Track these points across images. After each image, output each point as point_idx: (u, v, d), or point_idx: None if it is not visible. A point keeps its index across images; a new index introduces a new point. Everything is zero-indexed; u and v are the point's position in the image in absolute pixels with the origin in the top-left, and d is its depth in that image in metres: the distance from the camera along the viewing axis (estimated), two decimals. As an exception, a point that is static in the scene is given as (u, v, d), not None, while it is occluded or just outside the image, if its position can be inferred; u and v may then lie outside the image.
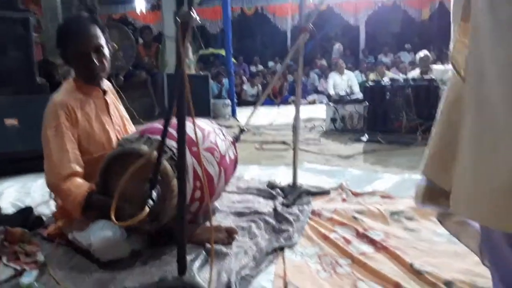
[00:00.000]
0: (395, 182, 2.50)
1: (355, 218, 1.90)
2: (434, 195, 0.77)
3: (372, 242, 1.67)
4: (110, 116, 1.79)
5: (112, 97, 1.87)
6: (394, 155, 3.29)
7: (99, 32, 1.69)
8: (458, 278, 1.37)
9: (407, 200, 2.14)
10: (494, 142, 0.55)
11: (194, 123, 1.11)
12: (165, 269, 1.45)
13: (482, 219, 0.58)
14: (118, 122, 1.83)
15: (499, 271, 0.68)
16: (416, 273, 1.41)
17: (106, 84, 1.84)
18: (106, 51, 1.72)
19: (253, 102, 7.97)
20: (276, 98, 9.18)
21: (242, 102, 8.43)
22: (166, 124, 1.15)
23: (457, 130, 0.67)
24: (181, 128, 1.17)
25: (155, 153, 1.35)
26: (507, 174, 0.52)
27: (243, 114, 5.65)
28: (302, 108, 7.20)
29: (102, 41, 1.70)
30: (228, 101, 6.70)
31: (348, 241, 1.68)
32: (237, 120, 6.02)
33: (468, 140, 0.60)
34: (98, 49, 1.68)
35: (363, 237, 1.72)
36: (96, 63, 1.67)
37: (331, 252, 1.61)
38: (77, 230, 1.59)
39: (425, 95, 4.08)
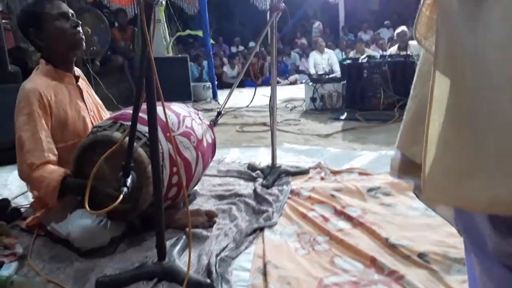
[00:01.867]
0: (372, 158, 2.55)
1: (333, 196, 1.93)
2: (408, 168, 0.77)
3: (349, 218, 1.70)
4: (85, 103, 1.76)
5: (84, 84, 1.84)
6: (372, 132, 3.34)
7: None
8: (431, 250, 1.42)
9: (384, 176, 2.18)
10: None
11: (163, 107, 1.10)
12: (145, 255, 1.46)
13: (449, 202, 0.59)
14: (92, 109, 1.81)
15: (471, 238, 0.71)
16: (391, 247, 1.46)
17: (77, 71, 1.80)
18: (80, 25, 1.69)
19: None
20: (257, 79, 9.13)
21: (224, 84, 8.35)
22: (136, 110, 1.14)
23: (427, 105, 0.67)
24: (151, 113, 1.16)
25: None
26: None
27: (225, 96, 5.66)
28: (284, 88, 7.18)
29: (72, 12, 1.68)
30: (208, 84, 6.63)
31: (326, 219, 1.71)
32: (219, 103, 5.98)
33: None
34: (72, 16, 1.67)
35: (341, 214, 1.76)
36: (74, 26, 1.64)
37: (310, 230, 1.65)
38: (55, 220, 1.58)
39: (402, 71, 4.11)
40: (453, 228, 1.66)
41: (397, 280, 1.27)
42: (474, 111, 0.54)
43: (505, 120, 0.49)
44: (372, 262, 1.37)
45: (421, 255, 1.39)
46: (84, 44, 1.70)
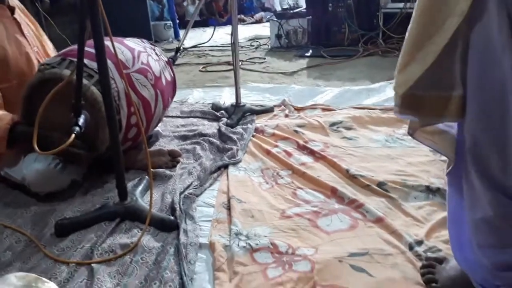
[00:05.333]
0: (335, 94, 2.55)
1: (296, 131, 1.94)
2: (409, 102, 0.71)
3: (311, 152, 1.72)
4: (25, 37, 1.62)
5: (22, 15, 1.67)
6: (336, 69, 3.31)
7: None
8: (390, 179, 1.46)
9: (347, 110, 2.20)
10: None
11: (111, 41, 1.02)
12: (107, 197, 1.43)
13: None
14: (35, 43, 1.66)
15: (475, 164, 0.70)
16: (352, 178, 1.50)
17: (12, 1, 1.63)
18: None
19: (198, 22, 7.55)
20: (222, 17, 8.77)
21: (186, 24, 7.96)
22: (81, 43, 1.06)
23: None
24: (99, 47, 1.07)
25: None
26: None
27: (188, 36, 5.43)
28: (249, 26, 6.90)
29: None
30: (170, 23, 6.31)
31: (289, 154, 1.73)
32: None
33: None
34: None
35: (303, 148, 1.77)
36: None
37: (273, 165, 1.66)
38: (9, 165, 1.52)
39: (366, 3, 4.03)
40: (412, 158, 1.72)
41: (356, 209, 1.31)
42: None
43: None
44: (333, 193, 1.41)
45: (380, 184, 1.43)
46: None
